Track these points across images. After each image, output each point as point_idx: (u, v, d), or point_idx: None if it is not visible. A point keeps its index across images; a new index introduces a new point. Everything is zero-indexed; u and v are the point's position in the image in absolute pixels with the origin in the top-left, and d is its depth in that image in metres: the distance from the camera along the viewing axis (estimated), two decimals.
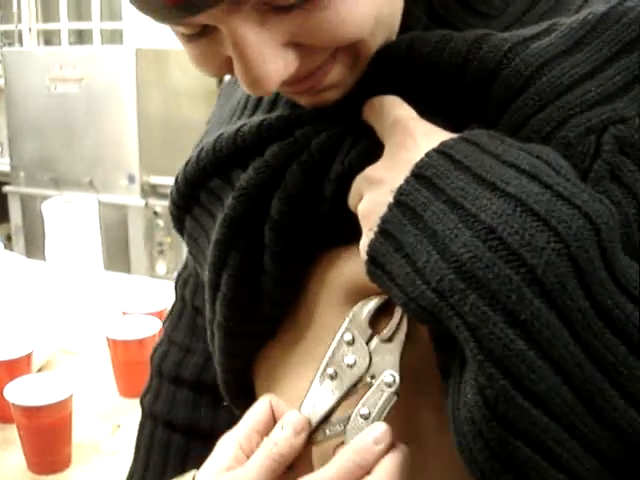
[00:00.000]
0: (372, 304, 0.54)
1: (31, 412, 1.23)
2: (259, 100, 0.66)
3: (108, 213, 3.59)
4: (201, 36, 0.51)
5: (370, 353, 0.53)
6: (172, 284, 0.90)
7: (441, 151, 0.47)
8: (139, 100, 3.72)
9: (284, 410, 0.54)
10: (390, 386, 0.52)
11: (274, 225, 0.58)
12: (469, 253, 0.42)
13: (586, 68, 0.49)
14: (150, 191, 3.82)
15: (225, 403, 0.74)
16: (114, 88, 3.76)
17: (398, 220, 0.47)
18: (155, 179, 3.79)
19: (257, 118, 0.61)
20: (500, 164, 0.45)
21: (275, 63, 0.49)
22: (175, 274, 0.90)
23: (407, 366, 0.53)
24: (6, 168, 4.38)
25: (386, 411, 0.52)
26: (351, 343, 0.54)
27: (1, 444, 1.35)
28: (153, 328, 1.51)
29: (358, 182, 0.52)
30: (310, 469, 0.53)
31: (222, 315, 0.64)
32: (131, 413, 1.42)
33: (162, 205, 3.70)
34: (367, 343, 0.53)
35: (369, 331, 0.53)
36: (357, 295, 0.55)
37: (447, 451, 0.46)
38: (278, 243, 0.58)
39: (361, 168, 0.52)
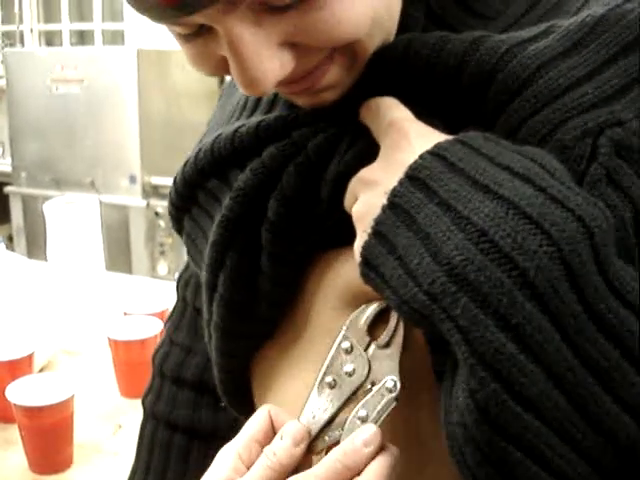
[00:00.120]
0: (369, 311, 0.53)
1: (32, 412, 1.23)
2: (258, 101, 0.66)
3: (109, 214, 3.59)
4: (197, 36, 0.51)
5: (369, 360, 0.53)
6: (173, 285, 0.90)
7: (435, 153, 0.47)
8: (140, 101, 3.72)
9: (284, 420, 0.54)
10: (391, 391, 0.52)
11: (271, 226, 0.58)
12: (461, 256, 0.42)
13: (583, 70, 0.49)
14: (151, 192, 3.82)
15: (223, 404, 0.74)
16: (115, 89, 3.76)
17: (391, 222, 0.46)
18: (156, 180, 3.80)
19: (255, 119, 0.61)
20: (494, 166, 0.45)
21: (271, 63, 0.49)
22: (176, 275, 0.90)
23: (405, 369, 0.52)
24: (7, 169, 4.39)
25: (384, 415, 0.51)
26: (349, 351, 0.53)
27: (2, 444, 1.35)
28: (154, 329, 1.51)
29: (353, 184, 0.52)
30: None
31: (219, 316, 0.64)
32: (132, 413, 1.42)
33: (163, 206, 3.69)
34: (365, 350, 0.53)
35: (367, 338, 0.53)
36: (353, 297, 0.56)
37: (445, 454, 0.46)
38: (275, 244, 0.58)
39: (357, 169, 0.52)
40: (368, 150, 0.53)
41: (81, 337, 1.76)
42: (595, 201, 0.43)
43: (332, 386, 0.53)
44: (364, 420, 0.52)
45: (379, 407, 0.51)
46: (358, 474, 0.49)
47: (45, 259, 2.07)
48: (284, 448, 0.52)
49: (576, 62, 0.49)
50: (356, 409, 0.52)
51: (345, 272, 0.56)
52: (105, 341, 1.54)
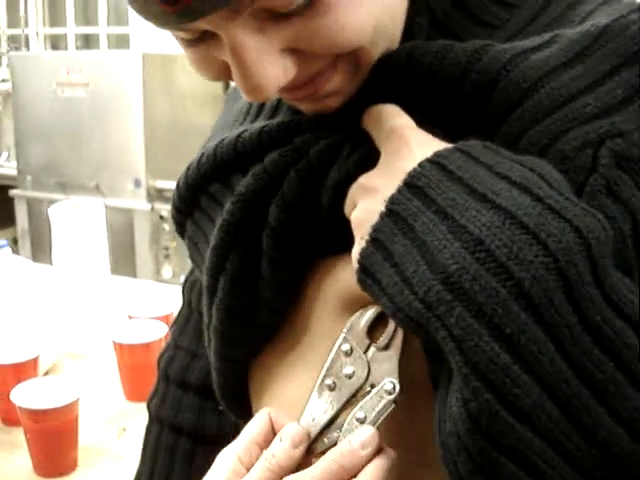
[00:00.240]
0: (369, 314, 0.54)
1: (37, 415, 1.24)
2: (261, 106, 0.66)
3: (114, 217, 3.59)
4: (200, 41, 0.51)
5: (368, 363, 0.53)
6: (178, 288, 0.91)
7: (434, 161, 0.47)
8: (145, 105, 3.72)
9: (283, 422, 0.54)
10: (390, 393, 0.52)
11: (271, 232, 0.58)
12: (456, 264, 0.42)
13: (586, 81, 0.49)
14: (156, 195, 3.82)
15: (221, 407, 0.74)
16: (121, 93, 3.76)
17: (389, 229, 0.46)
18: (161, 183, 3.79)
19: (258, 124, 0.62)
20: (492, 175, 0.45)
21: (273, 69, 0.49)
22: (181, 278, 0.90)
23: (405, 371, 0.52)
24: (13, 172, 4.39)
25: (382, 417, 0.52)
26: (349, 353, 0.53)
27: (8, 447, 1.35)
28: (159, 332, 1.51)
29: (353, 190, 0.52)
30: None
31: (218, 320, 0.64)
32: (137, 417, 1.42)
33: (168, 209, 3.68)
34: (365, 352, 0.53)
35: (367, 341, 0.53)
36: (353, 303, 0.55)
37: (439, 460, 0.46)
38: (275, 250, 0.58)
39: (358, 176, 0.52)
40: (369, 157, 0.53)
41: (86, 340, 1.76)
42: (594, 212, 0.43)
43: (332, 388, 0.54)
44: (362, 421, 0.52)
45: (377, 409, 0.52)
46: (354, 476, 0.50)
47: (50, 262, 2.07)
48: (283, 450, 0.52)
49: (579, 72, 0.49)
50: (354, 410, 0.52)
51: (345, 278, 0.56)
52: (110, 344, 1.54)
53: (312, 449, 0.53)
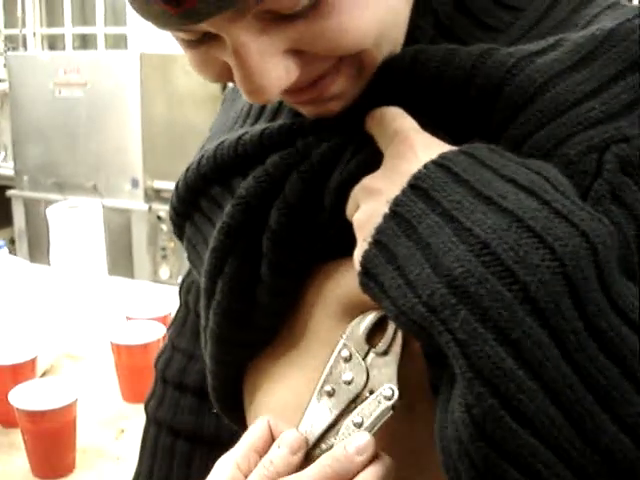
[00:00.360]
0: (368, 320, 0.53)
1: (35, 417, 1.24)
2: (262, 108, 0.66)
3: (111, 218, 3.59)
4: (201, 43, 0.51)
5: (367, 369, 0.53)
6: (175, 289, 0.90)
7: (439, 163, 0.46)
8: (143, 105, 3.73)
9: (282, 429, 0.54)
10: (389, 399, 0.51)
11: (272, 235, 0.57)
12: (462, 268, 0.41)
13: (591, 85, 0.48)
14: (154, 196, 3.82)
15: (214, 410, 0.74)
16: (118, 93, 3.77)
17: (392, 231, 0.46)
18: (159, 184, 3.80)
19: (259, 126, 0.61)
20: (498, 178, 0.44)
21: (276, 71, 0.49)
22: (179, 279, 0.90)
23: (403, 377, 0.52)
24: (10, 172, 4.39)
25: (380, 423, 0.51)
26: (348, 359, 0.53)
27: (5, 449, 1.35)
28: (157, 333, 1.51)
29: (355, 192, 0.52)
30: None
31: (215, 323, 0.63)
32: (135, 418, 1.42)
33: (166, 210, 3.69)
34: (364, 358, 0.53)
35: (366, 346, 0.53)
36: (353, 308, 0.55)
37: (439, 465, 0.46)
38: (276, 253, 0.58)
39: (360, 178, 0.52)
40: (372, 159, 0.53)
41: (84, 341, 1.76)
42: (600, 217, 0.43)
43: (331, 394, 0.53)
44: (359, 426, 0.52)
45: (375, 414, 0.51)
46: None
47: (47, 263, 2.07)
48: (281, 456, 0.52)
49: (584, 77, 0.49)
50: (352, 415, 0.52)
51: (346, 283, 0.56)
52: (108, 345, 1.54)
53: (311, 455, 0.53)
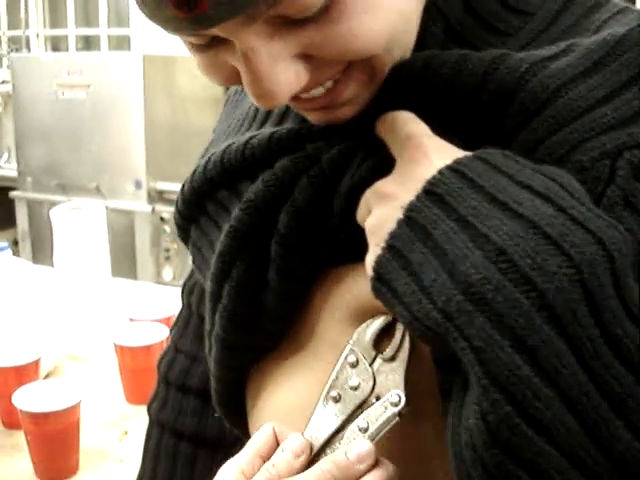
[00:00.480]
0: (376, 325, 0.53)
1: (39, 418, 1.24)
2: (269, 111, 0.65)
3: (115, 219, 3.59)
4: (210, 47, 0.50)
5: (374, 374, 0.52)
6: (179, 290, 0.90)
7: (454, 168, 0.46)
8: (146, 106, 3.73)
9: (287, 435, 0.54)
10: (395, 405, 0.51)
11: (281, 239, 0.57)
12: (479, 274, 0.41)
13: (603, 91, 0.48)
14: (157, 197, 3.82)
15: (216, 414, 0.73)
16: (121, 94, 3.77)
17: (407, 237, 0.46)
18: (162, 185, 3.80)
19: (267, 130, 0.61)
20: (514, 184, 0.44)
21: (285, 75, 0.49)
22: (182, 280, 0.90)
23: (410, 383, 0.52)
24: (13, 173, 4.40)
25: (386, 429, 0.51)
26: (355, 365, 0.53)
27: (9, 450, 1.35)
28: (160, 335, 1.51)
29: (367, 196, 0.52)
30: None
31: (221, 327, 0.63)
32: (138, 420, 1.42)
33: (169, 211, 3.70)
34: (371, 364, 0.53)
35: (373, 352, 0.53)
36: (361, 313, 0.55)
37: (447, 471, 0.46)
38: (284, 258, 0.57)
39: (371, 183, 0.52)
40: (383, 164, 0.52)
41: (87, 343, 1.76)
42: (615, 224, 0.43)
43: (337, 400, 0.53)
44: (364, 431, 0.51)
45: (381, 420, 0.51)
46: None
47: (50, 264, 2.07)
48: (283, 460, 0.52)
49: (596, 82, 0.49)
50: (357, 420, 0.52)
51: (355, 287, 0.56)
52: (111, 347, 1.54)
53: (316, 461, 0.53)
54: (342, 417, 0.53)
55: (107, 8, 4.97)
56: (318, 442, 0.53)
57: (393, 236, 0.47)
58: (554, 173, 0.45)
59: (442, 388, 0.48)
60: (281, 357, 0.63)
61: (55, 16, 5.28)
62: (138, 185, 3.81)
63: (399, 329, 0.52)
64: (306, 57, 0.49)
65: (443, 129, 0.51)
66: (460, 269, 0.42)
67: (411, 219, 0.46)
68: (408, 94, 0.53)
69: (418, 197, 0.46)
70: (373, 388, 0.52)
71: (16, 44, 5.24)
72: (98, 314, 1.83)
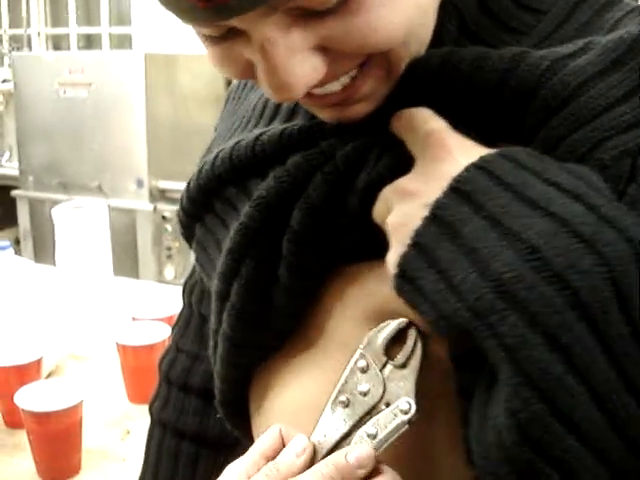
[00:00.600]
0: (387, 331, 0.52)
1: (41, 418, 1.24)
2: (277, 108, 0.65)
3: (116, 218, 3.59)
4: (225, 39, 0.50)
5: (384, 381, 0.52)
6: (180, 289, 0.90)
7: (481, 166, 0.46)
8: (148, 105, 3.73)
9: (294, 437, 0.54)
10: (405, 413, 0.51)
11: (294, 236, 0.56)
12: (511, 273, 0.41)
13: (622, 90, 0.48)
14: (159, 196, 3.82)
15: (218, 415, 0.73)
16: (123, 93, 3.77)
17: (434, 235, 0.45)
18: (164, 184, 3.80)
19: (277, 127, 0.60)
20: (541, 182, 0.44)
21: (302, 68, 0.48)
22: (183, 279, 0.89)
23: (420, 390, 0.52)
24: (15, 172, 4.40)
25: (394, 437, 0.51)
26: (365, 370, 0.52)
27: (11, 450, 1.35)
28: (163, 334, 1.51)
29: (386, 194, 0.51)
30: None
31: (229, 326, 0.62)
32: (141, 419, 1.42)
33: (171, 210, 3.70)
34: (381, 370, 0.52)
35: (384, 358, 0.52)
36: (375, 313, 0.54)
37: (456, 470, 0.46)
38: (296, 255, 0.57)
39: (388, 180, 0.51)
40: (400, 161, 0.52)
41: (89, 342, 1.76)
42: None
43: (346, 405, 0.52)
44: (373, 437, 0.51)
45: (390, 427, 0.51)
46: None
47: (52, 263, 2.07)
48: (284, 459, 0.52)
49: (615, 81, 0.48)
50: (366, 426, 0.51)
51: (371, 287, 0.55)
52: (113, 346, 1.54)
53: None
54: (350, 422, 0.52)
55: (108, 7, 4.97)
56: (325, 447, 0.52)
57: (419, 234, 0.46)
58: (579, 171, 0.46)
59: (460, 388, 0.48)
60: (289, 355, 0.62)
61: (56, 15, 5.28)
62: (140, 184, 3.81)
63: (411, 336, 0.52)
64: (323, 50, 0.49)
65: (459, 126, 0.51)
66: (491, 267, 0.42)
67: (437, 217, 0.46)
68: (423, 91, 0.53)
69: (445, 194, 0.46)
70: (383, 394, 0.52)
71: (17, 43, 5.25)
72: (100, 313, 1.83)
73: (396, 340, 0.52)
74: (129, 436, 1.39)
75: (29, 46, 5.24)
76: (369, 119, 0.54)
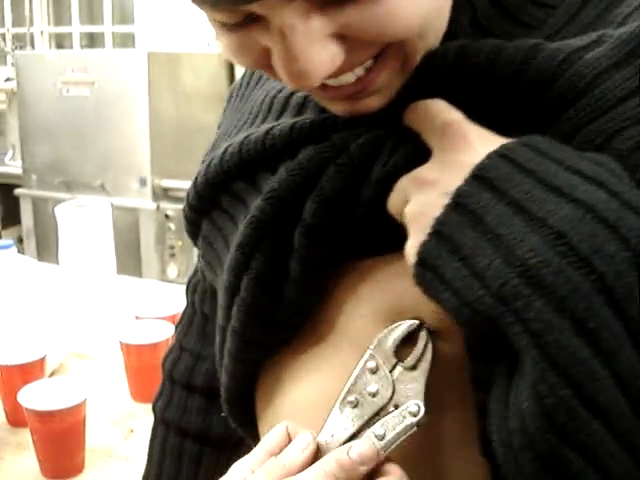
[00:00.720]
0: (398, 332, 0.52)
1: (45, 417, 1.24)
2: (285, 103, 0.65)
3: (119, 216, 3.58)
4: (242, 26, 0.49)
5: (394, 382, 0.52)
6: (184, 288, 0.90)
7: (502, 154, 0.46)
8: (151, 103, 3.73)
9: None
10: (414, 415, 0.51)
11: (306, 229, 0.56)
12: (537, 258, 0.41)
13: (636, 82, 0.48)
14: (161, 194, 3.82)
15: (223, 413, 0.73)
16: (126, 91, 3.77)
17: (455, 222, 0.45)
18: (166, 182, 3.80)
19: (288, 120, 0.60)
20: (563, 169, 0.45)
21: (321, 55, 0.48)
22: (186, 278, 0.89)
23: (429, 392, 0.52)
24: (18, 171, 4.40)
25: (402, 438, 0.50)
26: (374, 371, 0.52)
27: (15, 449, 1.35)
28: (166, 332, 1.51)
29: (403, 184, 0.51)
30: None
31: (238, 321, 0.62)
32: (144, 418, 1.42)
33: (173, 208, 3.70)
34: (391, 371, 0.52)
35: (393, 360, 0.52)
36: (388, 312, 0.54)
37: (464, 468, 0.45)
38: (309, 248, 0.56)
39: (404, 171, 0.51)
40: (416, 152, 0.52)
41: (93, 341, 1.76)
42: None
43: (354, 405, 0.52)
44: (381, 438, 0.51)
45: (398, 429, 0.51)
46: None
47: (55, 261, 2.07)
48: (287, 453, 0.52)
49: (629, 73, 0.49)
50: (374, 427, 0.51)
51: (385, 282, 0.55)
52: (117, 345, 1.54)
53: None
54: (359, 423, 0.52)
55: (111, 5, 4.97)
56: (332, 447, 0.52)
57: (440, 222, 0.46)
58: (599, 159, 0.46)
59: (475, 380, 0.48)
60: (298, 351, 0.62)
61: (59, 13, 5.28)
62: (143, 182, 3.81)
63: (422, 338, 0.52)
64: (342, 38, 0.49)
65: (476, 118, 0.51)
66: (516, 253, 0.42)
67: (459, 204, 0.46)
68: (437, 83, 0.53)
69: (466, 182, 0.46)
70: (392, 396, 0.52)
71: (20, 41, 5.25)
72: (103, 312, 1.83)
73: (406, 342, 0.52)
74: (133, 435, 1.39)
75: (32, 45, 5.24)
76: (381, 112, 0.54)
